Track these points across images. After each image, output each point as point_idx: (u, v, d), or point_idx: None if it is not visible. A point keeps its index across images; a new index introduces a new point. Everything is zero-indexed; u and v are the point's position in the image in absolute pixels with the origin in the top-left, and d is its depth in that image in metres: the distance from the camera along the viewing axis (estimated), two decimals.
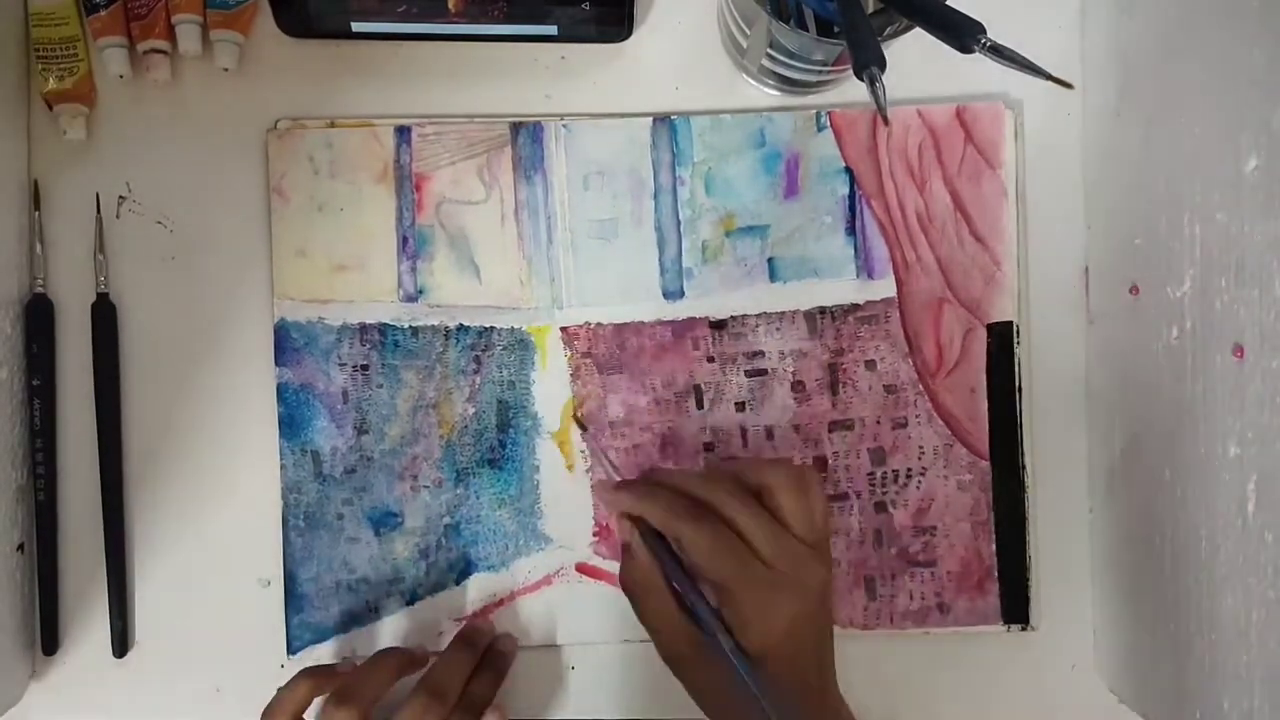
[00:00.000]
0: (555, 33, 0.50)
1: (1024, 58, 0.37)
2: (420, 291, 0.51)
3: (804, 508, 0.40)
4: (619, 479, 0.46)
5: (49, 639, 0.50)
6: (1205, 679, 0.42)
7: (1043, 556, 0.52)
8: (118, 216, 0.51)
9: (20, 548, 0.49)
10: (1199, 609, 0.43)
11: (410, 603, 0.51)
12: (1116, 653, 0.51)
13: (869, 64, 0.37)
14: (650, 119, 0.51)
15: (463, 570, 0.51)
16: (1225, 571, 0.41)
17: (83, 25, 0.49)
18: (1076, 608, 0.52)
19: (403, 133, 0.51)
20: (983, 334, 0.52)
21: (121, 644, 0.50)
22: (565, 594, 0.51)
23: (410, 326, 0.51)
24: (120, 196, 0.51)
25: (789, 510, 0.40)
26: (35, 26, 0.49)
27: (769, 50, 0.46)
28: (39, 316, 0.50)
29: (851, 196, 0.52)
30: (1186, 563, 0.44)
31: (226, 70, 0.50)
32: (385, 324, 0.51)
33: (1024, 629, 0.52)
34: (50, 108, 0.50)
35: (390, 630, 0.51)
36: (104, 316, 0.50)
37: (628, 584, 0.43)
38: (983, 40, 0.37)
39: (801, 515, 0.40)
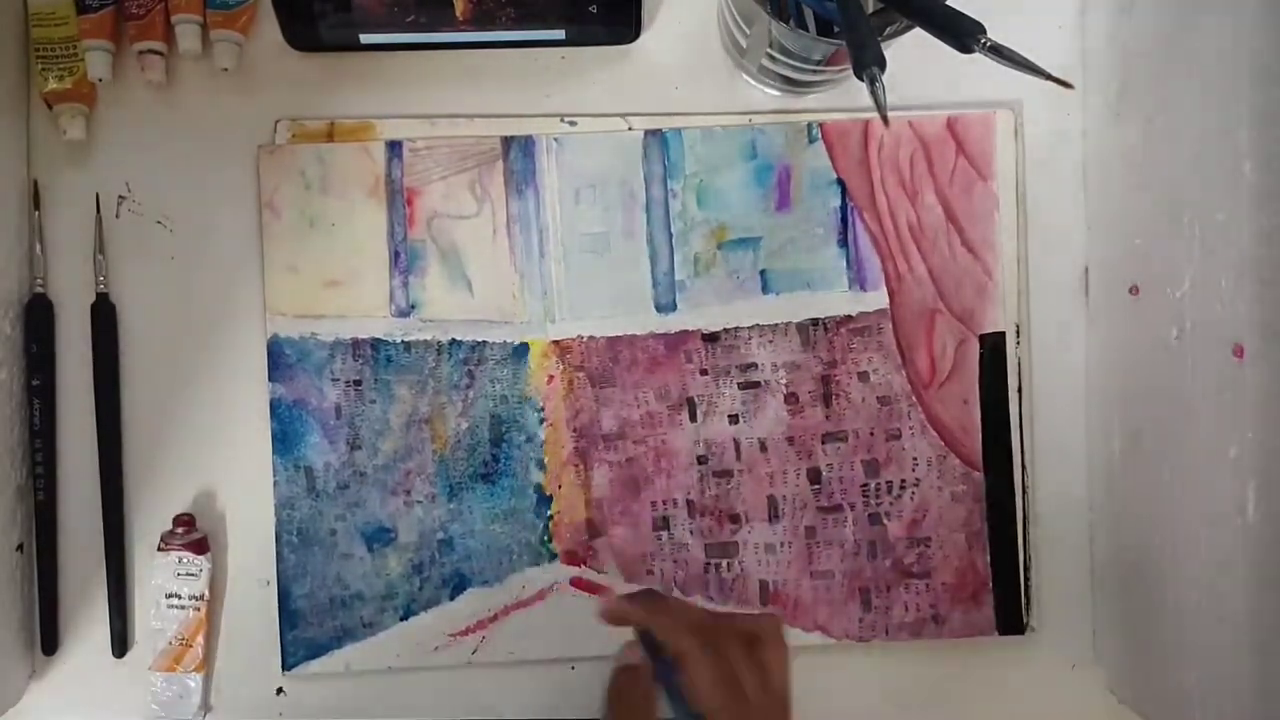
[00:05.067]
0: (563, 37, 0.50)
1: (1024, 58, 0.37)
2: (412, 306, 0.51)
3: (780, 662, 0.43)
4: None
5: (49, 639, 0.50)
6: (1205, 679, 0.42)
7: (1042, 557, 0.52)
8: (117, 216, 0.51)
9: (20, 548, 0.49)
10: (1199, 609, 0.43)
11: (404, 618, 0.51)
12: (1116, 653, 0.51)
13: (869, 64, 0.37)
14: (642, 132, 0.51)
15: (457, 585, 0.51)
16: (1225, 571, 0.41)
17: None
18: (1076, 608, 0.52)
19: (394, 147, 0.51)
20: (975, 345, 0.52)
21: (121, 644, 0.50)
22: (560, 608, 0.51)
23: (403, 341, 0.51)
24: (120, 196, 0.51)
25: (771, 662, 0.43)
26: (35, 26, 0.49)
27: (769, 50, 0.46)
28: (39, 316, 0.50)
29: (843, 208, 0.52)
30: (1186, 563, 0.44)
31: (226, 70, 0.50)
32: (378, 339, 0.51)
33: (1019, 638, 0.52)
34: (50, 108, 0.50)
35: (385, 646, 0.51)
36: (103, 316, 0.50)
37: (624, 689, 0.43)
38: (983, 40, 0.37)
39: (778, 668, 0.43)
